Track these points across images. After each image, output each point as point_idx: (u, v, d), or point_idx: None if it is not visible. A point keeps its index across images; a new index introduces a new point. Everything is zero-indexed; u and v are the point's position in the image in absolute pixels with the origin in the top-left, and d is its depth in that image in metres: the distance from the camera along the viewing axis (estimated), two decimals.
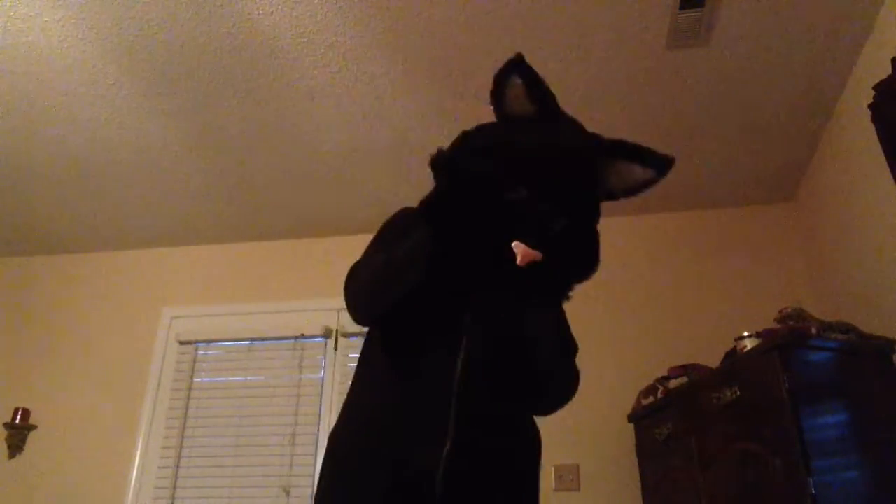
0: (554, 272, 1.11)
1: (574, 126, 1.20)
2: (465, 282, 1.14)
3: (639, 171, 1.19)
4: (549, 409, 1.29)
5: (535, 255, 1.05)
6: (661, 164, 1.18)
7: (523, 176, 1.09)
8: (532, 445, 1.24)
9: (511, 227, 1.07)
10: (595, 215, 1.17)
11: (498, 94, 1.19)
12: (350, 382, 1.28)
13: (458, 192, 1.11)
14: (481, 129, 1.20)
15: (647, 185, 1.19)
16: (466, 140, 1.17)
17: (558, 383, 1.26)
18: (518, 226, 1.07)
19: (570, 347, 1.26)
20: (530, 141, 1.13)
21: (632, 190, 1.19)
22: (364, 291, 1.20)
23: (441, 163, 1.14)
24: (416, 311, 1.15)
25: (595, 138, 1.18)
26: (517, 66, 1.18)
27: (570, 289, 1.20)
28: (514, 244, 1.05)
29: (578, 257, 1.14)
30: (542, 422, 3.12)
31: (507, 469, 1.14)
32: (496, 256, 1.07)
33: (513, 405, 1.20)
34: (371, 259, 1.23)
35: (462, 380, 1.11)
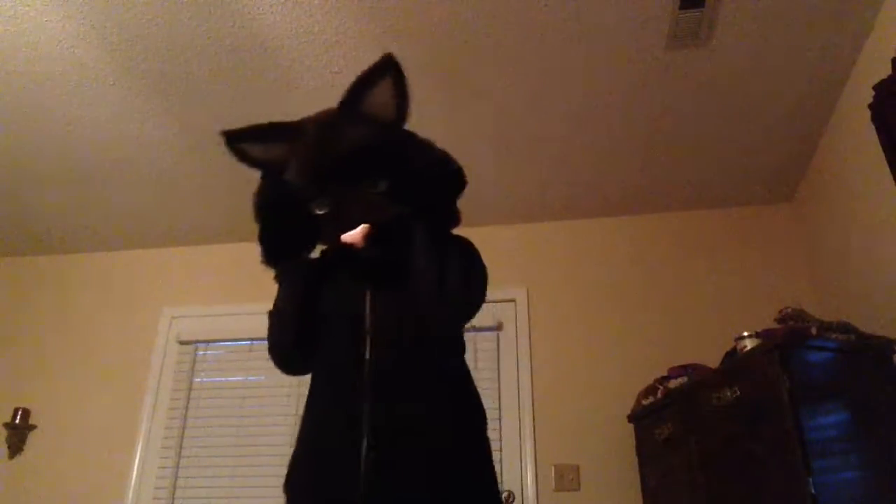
0: (402, 217, 1.18)
1: (317, 119, 1.31)
2: (350, 289, 1.23)
3: (382, 88, 1.27)
4: (451, 319, 1.25)
5: (362, 228, 1.14)
6: (384, 68, 1.28)
7: (313, 189, 1.19)
8: (460, 414, 1.21)
9: (335, 229, 1.17)
10: (397, 152, 1.23)
11: (251, 163, 1.29)
12: None
13: (277, 233, 1.25)
14: (262, 182, 1.31)
15: (398, 88, 1.27)
16: (259, 195, 1.30)
17: (445, 288, 1.19)
18: (337, 225, 1.17)
19: (456, 263, 1.20)
20: (301, 157, 1.22)
21: (398, 101, 1.26)
22: (276, 353, 1.31)
23: (258, 213, 1.29)
24: (327, 326, 1.25)
25: (337, 109, 1.29)
26: (230, 139, 1.28)
27: (439, 213, 1.25)
28: (342, 238, 1.16)
29: (422, 190, 1.21)
30: (542, 422, 3.11)
31: (435, 443, 1.13)
32: (343, 258, 1.18)
33: (429, 366, 1.20)
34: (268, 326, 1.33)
35: (371, 366, 1.15)
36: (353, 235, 1.14)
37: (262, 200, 1.28)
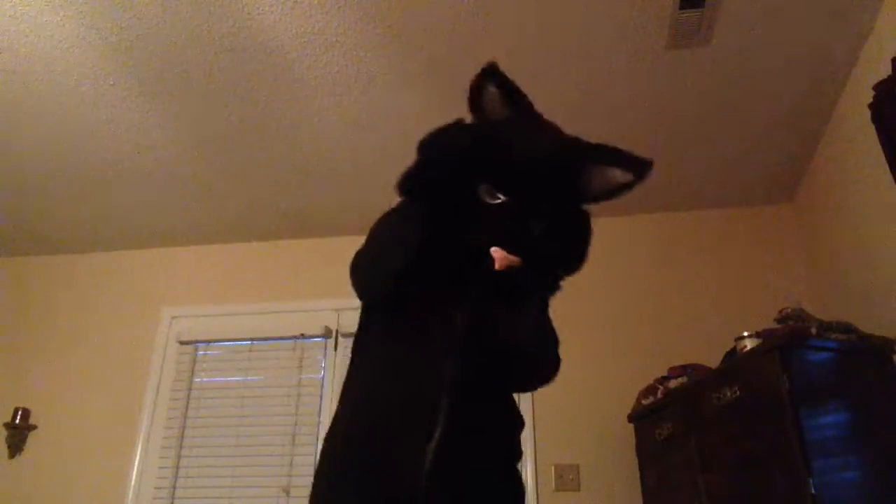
0: (534, 274, 1.13)
1: (553, 129, 1.21)
2: (452, 279, 1.16)
3: (618, 175, 1.17)
4: (529, 389, 1.35)
5: (513, 260, 1.08)
6: (640, 168, 1.16)
7: (503, 180, 1.11)
8: (512, 430, 1.26)
9: (488, 231, 1.10)
10: (577, 218, 1.18)
11: (475, 103, 1.20)
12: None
13: (438, 188, 1.15)
14: (466, 128, 1.21)
15: (626, 187, 1.17)
16: (449, 134, 1.19)
17: (539, 368, 1.27)
18: (495, 230, 1.10)
19: (550, 338, 1.27)
20: (510, 144, 1.15)
21: (611, 192, 1.18)
22: (363, 272, 1.24)
23: (441, 142, 1.19)
24: (417, 296, 1.18)
25: (575, 142, 1.18)
26: (491, 74, 1.18)
27: (556, 284, 1.22)
28: (492, 250, 1.08)
29: (560, 258, 1.17)
30: (542, 422, 3.12)
31: (491, 457, 1.16)
32: (475, 260, 1.10)
33: (498, 391, 1.23)
34: (367, 244, 1.26)
35: (455, 366, 1.13)
36: (502, 256, 1.08)
37: (455, 140, 1.18)
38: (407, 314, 1.20)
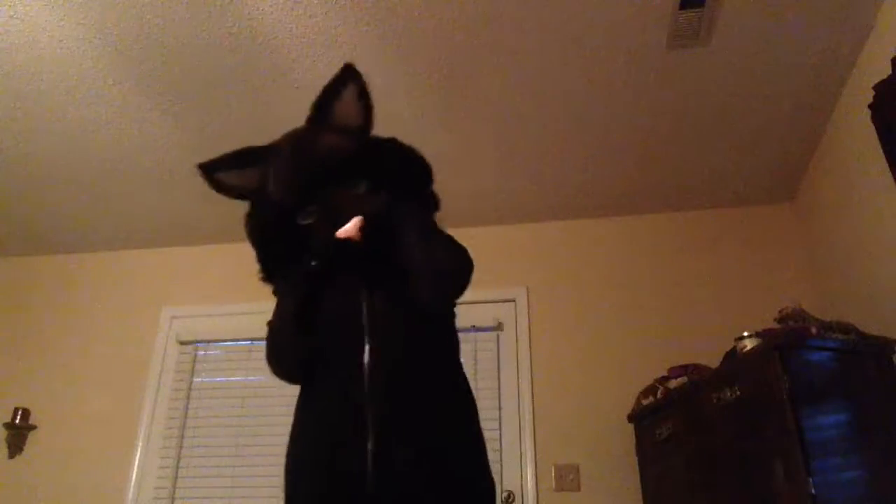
0: (386, 214, 1.21)
1: (288, 137, 1.34)
2: (347, 286, 1.24)
3: (346, 98, 1.31)
4: (431, 297, 1.26)
5: (356, 220, 1.16)
6: (345, 77, 1.33)
7: (297, 201, 1.23)
8: (457, 406, 1.25)
9: (325, 232, 1.19)
10: (370, 153, 1.29)
11: (230, 193, 1.37)
12: None
13: (271, 251, 1.31)
14: (250, 208, 1.37)
15: (360, 95, 1.33)
16: (248, 221, 1.38)
17: (435, 265, 1.24)
18: (328, 227, 1.19)
19: (442, 246, 1.26)
20: (280, 172, 1.27)
21: (362, 108, 1.32)
22: (276, 366, 1.32)
23: (249, 236, 1.38)
24: (324, 322, 1.25)
25: (306, 123, 1.32)
26: (206, 171, 1.36)
27: (421, 201, 1.29)
28: (337, 234, 1.17)
29: (393, 184, 1.25)
30: (542, 422, 3.11)
31: (436, 438, 1.16)
32: (338, 250, 1.18)
33: (427, 361, 1.23)
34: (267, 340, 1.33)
35: (372, 366, 1.16)
36: (348, 230, 1.16)
37: (252, 223, 1.34)
38: (326, 327, 1.25)
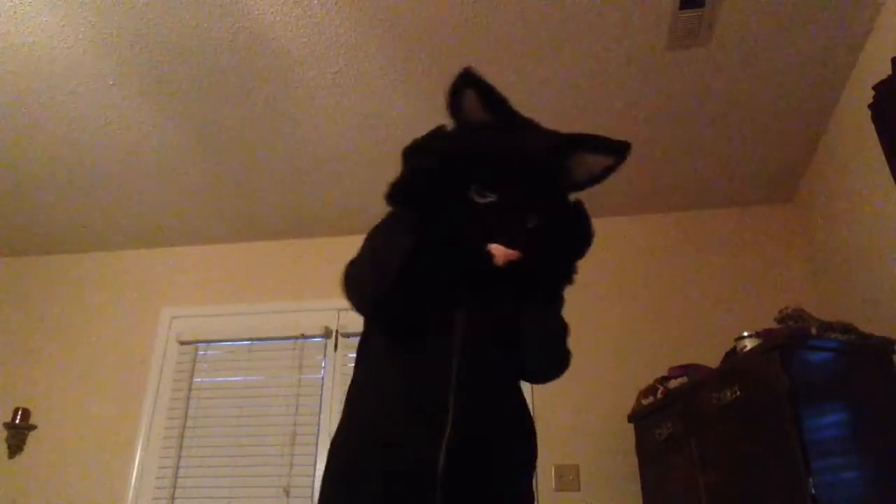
0: (534, 266, 1.18)
1: (533, 126, 1.26)
2: (453, 280, 1.19)
3: (600, 160, 1.24)
4: (540, 381, 1.41)
5: (512, 253, 1.12)
6: (619, 150, 1.23)
7: (491, 180, 1.15)
8: (529, 434, 1.29)
9: (484, 230, 1.13)
10: (567, 207, 1.24)
11: (454, 107, 1.22)
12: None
13: (429, 193, 1.19)
14: (449, 134, 1.24)
15: (608, 171, 1.24)
16: (435, 140, 1.23)
17: (550, 365, 1.35)
18: (490, 229, 1.13)
19: (564, 334, 1.34)
20: (495, 145, 1.19)
21: (596, 178, 1.25)
22: (355, 282, 1.24)
23: (424, 151, 1.22)
24: (412, 302, 1.20)
25: (554, 136, 1.24)
26: (468, 79, 1.20)
27: (569, 274, 1.26)
28: (490, 247, 1.11)
29: (558, 246, 1.22)
30: (541, 422, 3.12)
31: (506, 457, 1.19)
32: (476, 259, 1.13)
33: (508, 383, 1.26)
34: (360, 253, 1.28)
35: (461, 365, 1.15)
36: (503, 252, 1.11)
37: (440, 146, 1.21)
38: (407, 319, 1.22)
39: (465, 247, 1.14)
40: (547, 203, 1.19)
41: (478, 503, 1.12)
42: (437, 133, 1.23)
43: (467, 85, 1.19)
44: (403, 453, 1.11)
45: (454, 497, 1.08)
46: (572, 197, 1.26)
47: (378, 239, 1.26)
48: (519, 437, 1.24)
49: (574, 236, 1.23)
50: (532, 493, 1.28)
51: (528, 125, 1.25)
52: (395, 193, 1.20)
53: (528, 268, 1.15)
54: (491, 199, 1.14)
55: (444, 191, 1.17)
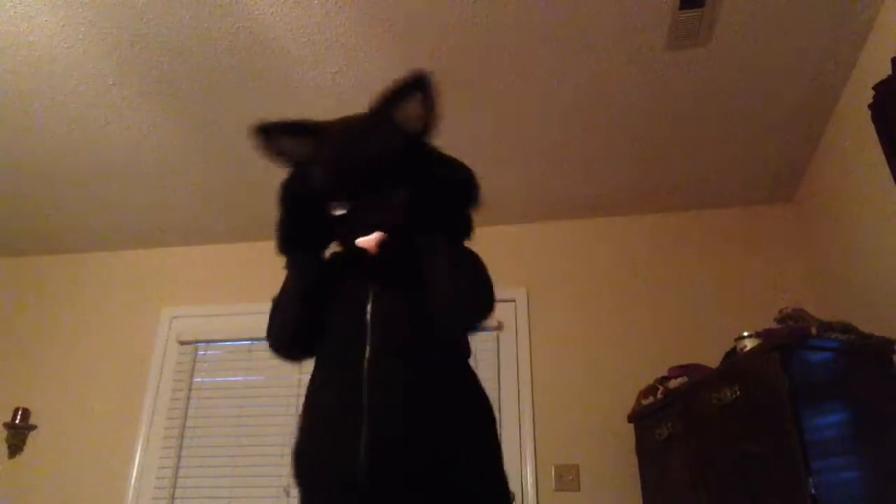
0: (407, 232, 1.22)
1: (348, 123, 1.33)
2: (352, 289, 1.25)
3: (412, 103, 1.28)
4: (455, 324, 1.28)
5: (377, 236, 1.19)
6: (417, 83, 1.28)
7: (333, 191, 1.24)
8: (465, 421, 1.19)
9: (355, 233, 1.22)
10: (420, 163, 1.27)
11: (283, 158, 1.34)
12: None
13: (294, 225, 1.30)
14: (288, 179, 1.34)
15: (428, 103, 1.29)
16: (281, 190, 1.34)
17: (454, 298, 1.24)
18: (352, 229, 1.22)
19: (467, 276, 1.26)
20: (327, 156, 1.27)
21: (426, 116, 1.29)
22: (271, 339, 1.33)
23: (279, 201, 1.34)
24: (327, 311, 1.27)
25: (359, 115, 1.33)
26: (266, 132, 1.32)
27: (456, 221, 1.28)
28: (356, 243, 1.20)
29: (440, 202, 1.26)
30: (542, 422, 3.11)
31: (433, 450, 1.11)
32: (354, 260, 1.23)
33: (434, 371, 1.21)
34: (269, 316, 1.36)
35: (371, 363, 1.16)
36: (368, 241, 1.19)
37: (286, 191, 1.32)
38: (332, 324, 1.27)
39: (343, 254, 1.25)
40: (402, 175, 1.24)
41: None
42: (284, 180, 1.34)
43: (266, 136, 1.31)
44: (326, 463, 1.15)
45: (383, 480, 1.08)
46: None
47: (280, 294, 1.34)
48: (451, 425, 1.15)
49: (449, 186, 1.28)
50: (495, 485, 1.19)
51: (341, 124, 1.33)
52: (277, 244, 1.31)
53: (399, 238, 1.21)
54: (344, 203, 1.23)
55: (308, 221, 1.28)
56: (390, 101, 1.29)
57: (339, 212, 1.23)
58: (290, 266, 1.32)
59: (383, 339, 1.18)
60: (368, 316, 1.21)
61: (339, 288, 1.27)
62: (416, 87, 1.27)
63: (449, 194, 1.28)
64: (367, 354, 1.17)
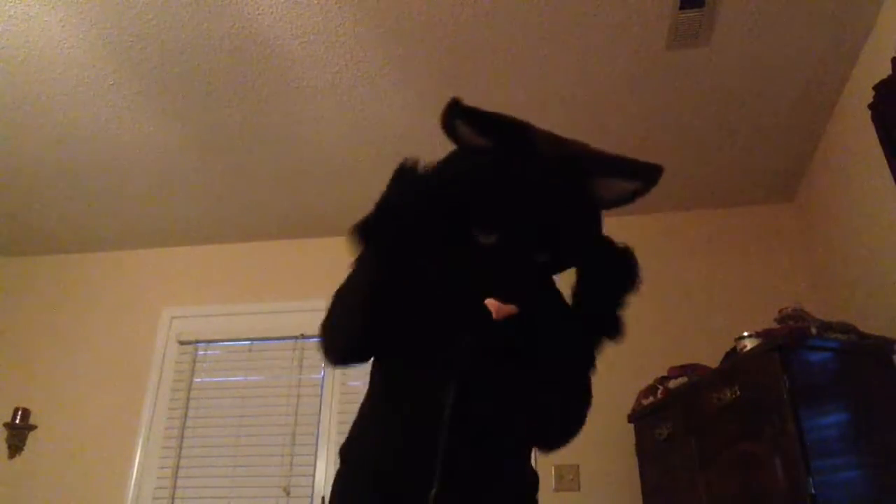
0: (541, 321, 1.05)
1: (551, 147, 1.07)
2: (445, 334, 1.06)
3: (627, 185, 1.12)
4: (548, 450, 1.23)
5: (510, 309, 0.99)
6: (649, 175, 1.11)
7: (494, 217, 1.01)
8: (526, 490, 1.17)
9: (484, 274, 1.01)
10: (589, 238, 1.10)
11: (454, 138, 1.08)
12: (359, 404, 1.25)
13: (416, 230, 1.03)
14: (450, 161, 1.10)
15: (635, 195, 1.12)
16: (439, 171, 1.08)
17: (562, 428, 1.18)
18: (490, 273, 1.00)
19: (579, 397, 1.18)
20: (500, 177, 1.02)
21: (621, 202, 1.12)
22: (328, 338, 1.17)
23: (413, 175, 1.05)
24: (409, 346, 1.09)
25: (571, 157, 1.08)
26: (453, 111, 1.05)
27: (601, 335, 1.10)
28: (486, 301, 0.98)
29: (596, 292, 1.09)
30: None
31: None
32: (471, 312, 1.00)
33: (511, 442, 1.13)
34: (327, 311, 1.18)
35: (453, 414, 1.03)
36: (500, 307, 0.98)
37: (424, 183, 1.04)
38: (403, 367, 1.11)
39: (457, 300, 1.01)
40: (559, 240, 1.04)
41: None
42: (420, 170, 1.06)
43: (454, 117, 1.05)
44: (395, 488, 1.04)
45: None
46: (618, 239, 1.11)
47: (341, 289, 1.12)
48: (513, 493, 1.12)
49: (610, 278, 1.07)
50: None
51: (541, 142, 1.06)
52: (362, 230, 1.04)
53: (530, 323, 1.01)
54: (491, 238, 1.00)
55: (428, 231, 1.02)
56: (610, 168, 1.11)
57: (485, 240, 1.00)
58: (370, 255, 1.06)
59: (465, 416, 1.03)
60: (450, 388, 1.04)
61: (434, 316, 1.06)
62: (643, 180, 1.11)
63: (618, 283, 1.09)
64: (451, 394, 1.03)
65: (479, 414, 1.05)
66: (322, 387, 3.14)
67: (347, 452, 1.16)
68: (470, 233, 1.02)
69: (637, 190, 1.11)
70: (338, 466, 1.18)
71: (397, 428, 1.08)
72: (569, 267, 1.11)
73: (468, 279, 1.02)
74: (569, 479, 2.77)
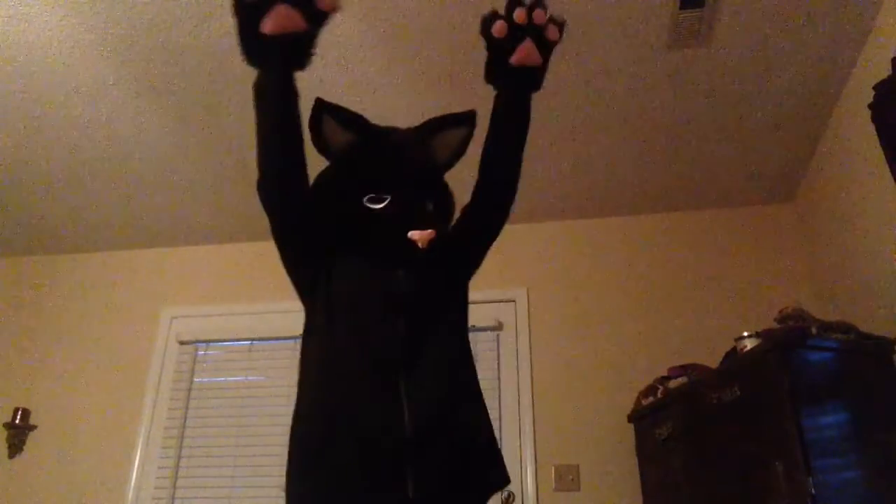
0: (449, 235, 1.32)
1: (393, 129, 1.39)
2: (384, 268, 1.27)
3: (455, 133, 1.40)
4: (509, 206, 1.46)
5: (430, 233, 1.22)
6: (467, 119, 1.42)
7: (381, 184, 1.27)
8: (479, 394, 1.36)
9: (395, 226, 1.23)
10: (447, 188, 1.38)
11: (318, 142, 1.31)
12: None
13: (333, 209, 1.30)
14: (328, 169, 1.35)
15: (465, 140, 1.41)
16: (320, 178, 1.33)
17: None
18: (400, 223, 1.23)
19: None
20: (370, 153, 1.31)
21: (457, 151, 1.40)
22: (260, 160, 1.27)
23: (315, 188, 1.31)
24: (349, 284, 1.28)
25: (413, 129, 1.40)
26: (320, 106, 1.30)
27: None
28: (410, 234, 1.21)
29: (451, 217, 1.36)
30: (542, 422, 3.11)
31: (466, 412, 1.27)
32: (403, 250, 1.22)
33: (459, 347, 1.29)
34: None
35: (404, 347, 1.18)
36: (423, 234, 1.21)
37: (326, 185, 1.32)
38: (346, 310, 1.26)
39: (388, 242, 1.24)
40: (434, 190, 1.33)
41: (449, 461, 1.15)
42: (320, 175, 1.32)
43: (322, 112, 1.28)
44: (369, 420, 1.14)
45: (424, 457, 1.11)
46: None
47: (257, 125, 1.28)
48: (472, 394, 1.31)
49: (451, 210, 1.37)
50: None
51: (389, 130, 1.38)
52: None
53: (446, 237, 1.28)
54: (386, 200, 1.25)
55: (345, 210, 1.27)
56: (438, 125, 1.39)
57: (376, 205, 1.25)
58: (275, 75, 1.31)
59: (417, 322, 1.21)
60: (401, 296, 1.23)
61: (358, 264, 1.28)
62: (464, 123, 1.41)
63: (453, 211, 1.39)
64: (402, 340, 1.19)
65: (424, 339, 1.21)
66: None
67: (302, 410, 1.26)
68: (364, 206, 1.25)
69: (465, 135, 1.41)
70: (292, 426, 1.24)
71: (355, 374, 1.19)
72: (451, 213, 1.37)
73: (386, 230, 1.25)
74: (569, 479, 2.77)
